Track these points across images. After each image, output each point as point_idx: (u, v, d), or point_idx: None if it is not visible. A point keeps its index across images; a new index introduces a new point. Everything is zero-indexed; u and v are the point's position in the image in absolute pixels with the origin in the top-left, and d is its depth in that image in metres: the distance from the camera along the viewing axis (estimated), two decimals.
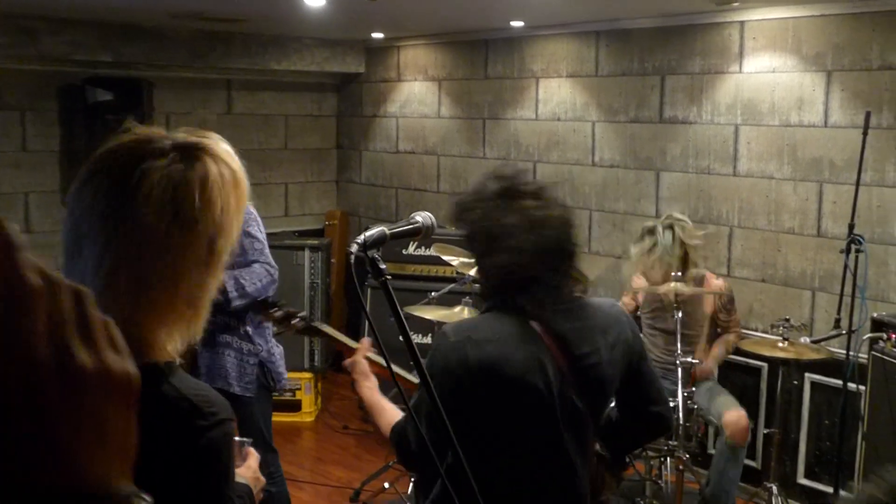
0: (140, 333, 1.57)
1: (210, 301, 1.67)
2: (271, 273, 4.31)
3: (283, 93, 8.58)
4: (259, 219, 4.38)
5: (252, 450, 2.10)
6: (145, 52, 7.26)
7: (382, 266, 2.01)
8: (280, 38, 7.93)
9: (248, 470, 2.03)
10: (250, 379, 4.39)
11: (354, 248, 2.01)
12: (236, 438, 2.02)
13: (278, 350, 4.55)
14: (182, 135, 1.68)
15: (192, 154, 1.62)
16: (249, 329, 4.37)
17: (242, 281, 4.19)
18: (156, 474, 1.53)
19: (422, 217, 2.18)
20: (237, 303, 4.19)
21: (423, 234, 2.16)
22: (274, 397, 7.09)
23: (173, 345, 1.64)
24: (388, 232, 2.07)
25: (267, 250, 4.35)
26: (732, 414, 5.17)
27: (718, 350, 5.45)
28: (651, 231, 5.28)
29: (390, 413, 2.67)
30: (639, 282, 5.45)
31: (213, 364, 4.34)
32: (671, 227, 5.23)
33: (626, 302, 5.60)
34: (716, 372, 5.59)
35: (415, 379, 2.85)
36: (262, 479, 2.07)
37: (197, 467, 1.54)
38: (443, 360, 2.43)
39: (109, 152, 1.62)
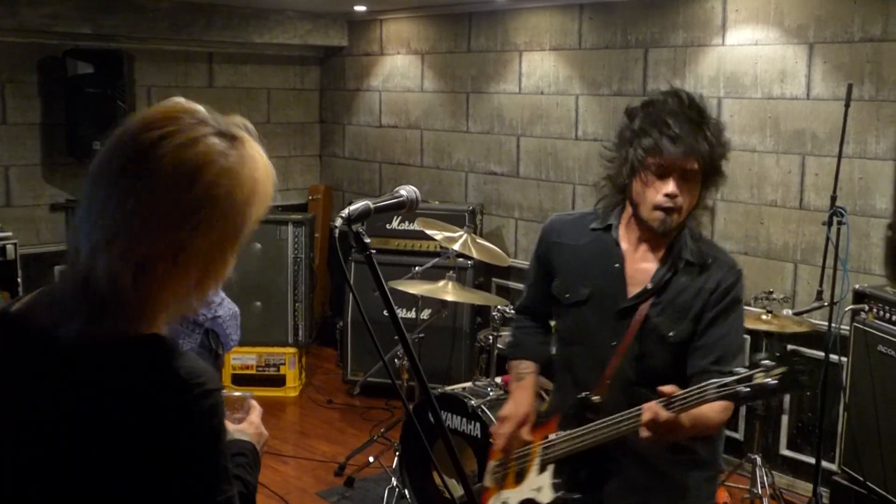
0: (142, 306, 1.57)
1: (219, 282, 1.66)
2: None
3: (266, 66, 8.53)
4: None
5: (254, 403, 2.06)
6: (126, 24, 7.20)
7: (367, 240, 2.00)
8: (262, 10, 7.87)
9: (250, 425, 2.00)
10: (191, 347, 4.36)
11: (339, 222, 2.01)
12: (237, 394, 2.05)
13: (228, 311, 4.48)
14: (218, 115, 1.68)
15: (230, 135, 1.62)
16: None
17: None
18: (148, 445, 1.53)
19: (406, 191, 2.17)
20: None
21: (407, 208, 2.15)
22: (258, 372, 7.18)
23: (168, 318, 1.63)
24: (372, 206, 2.07)
25: None
26: None
27: None
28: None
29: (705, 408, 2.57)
30: None
31: None
32: None
33: None
34: None
35: None
36: (266, 433, 2.03)
37: (187, 438, 1.54)
38: None
39: (148, 122, 1.59)
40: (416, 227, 6.52)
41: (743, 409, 5.88)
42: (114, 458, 1.53)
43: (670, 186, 2.70)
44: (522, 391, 3.09)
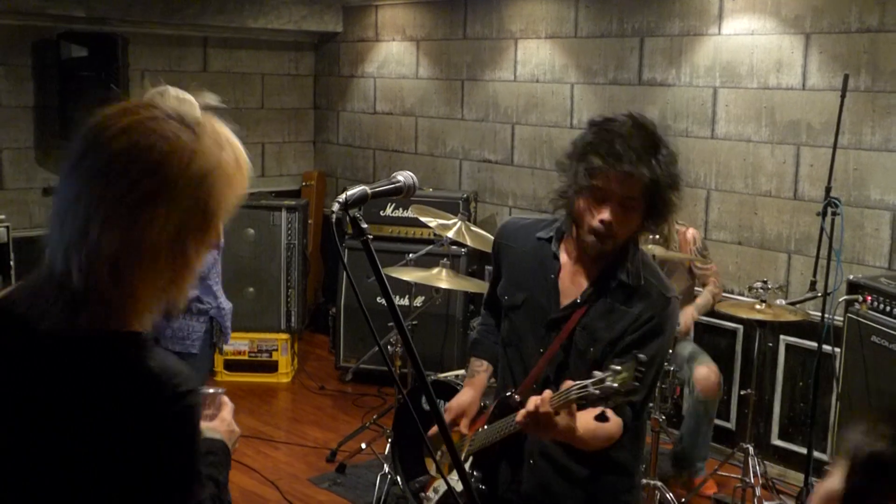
0: (120, 301, 1.56)
1: (195, 276, 1.65)
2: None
3: (260, 51, 8.50)
4: None
5: (226, 399, 2.04)
6: (120, 7, 7.16)
7: (364, 225, 1.99)
8: None
9: (221, 423, 1.98)
10: (197, 337, 4.38)
11: (336, 206, 2.00)
12: (209, 390, 2.01)
13: (228, 306, 4.53)
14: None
15: (193, 129, 1.60)
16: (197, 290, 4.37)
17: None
18: (120, 444, 1.52)
19: (403, 176, 2.17)
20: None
21: (404, 194, 2.15)
22: (251, 358, 7.18)
23: (149, 316, 1.62)
24: (369, 191, 2.05)
25: None
26: (703, 369, 5.28)
27: (702, 299, 5.45)
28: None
29: (584, 419, 2.60)
30: None
31: (162, 325, 4.26)
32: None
33: None
34: (692, 331, 5.60)
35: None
36: (237, 430, 2.01)
37: (159, 440, 1.53)
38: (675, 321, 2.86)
39: (108, 118, 1.59)
40: (409, 214, 6.51)
41: (734, 399, 5.89)
42: (86, 453, 1.52)
43: (606, 213, 2.66)
44: (469, 387, 3.19)
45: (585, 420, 2.56)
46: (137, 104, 1.62)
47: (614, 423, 2.64)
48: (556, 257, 2.88)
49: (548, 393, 2.53)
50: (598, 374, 2.42)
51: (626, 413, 2.69)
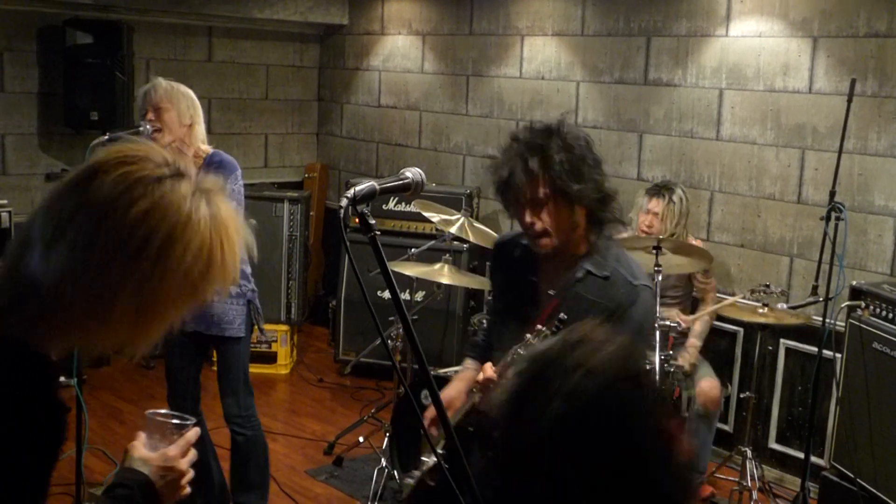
0: (52, 327, 1.51)
1: (158, 336, 1.57)
2: None
3: (265, 42, 8.48)
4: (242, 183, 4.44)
5: (190, 436, 1.84)
6: None
7: (372, 221, 1.99)
8: None
9: (159, 457, 1.78)
10: (241, 321, 4.57)
11: (345, 202, 1.99)
12: (175, 421, 1.84)
13: (254, 286, 4.66)
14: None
15: (184, 183, 1.55)
16: None
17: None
18: None
19: (411, 173, 2.16)
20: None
21: (412, 191, 2.14)
22: (250, 349, 7.16)
23: (69, 347, 1.58)
24: (377, 187, 2.05)
25: (242, 211, 4.41)
26: (705, 383, 5.27)
27: (700, 326, 5.47)
28: (667, 187, 5.51)
29: None
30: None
31: (202, 311, 4.40)
32: (683, 191, 5.55)
33: None
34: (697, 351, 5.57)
35: None
36: (182, 469, 1.80)
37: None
38: (653, 311, 3.04)
39: (107, 164, 1.53)
40: (412, 208, 6.50)
41: (733, 401, 5.88)
42: None
43: (526, 216, 2.85)
44: (457, 381, 3.32)
45: None
46: (141, 152, 1.57)
47: None
48: (536, 259, 3.01)
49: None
50: (527, 336, 2.60)
51: None
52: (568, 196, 2.82)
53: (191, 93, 4.48)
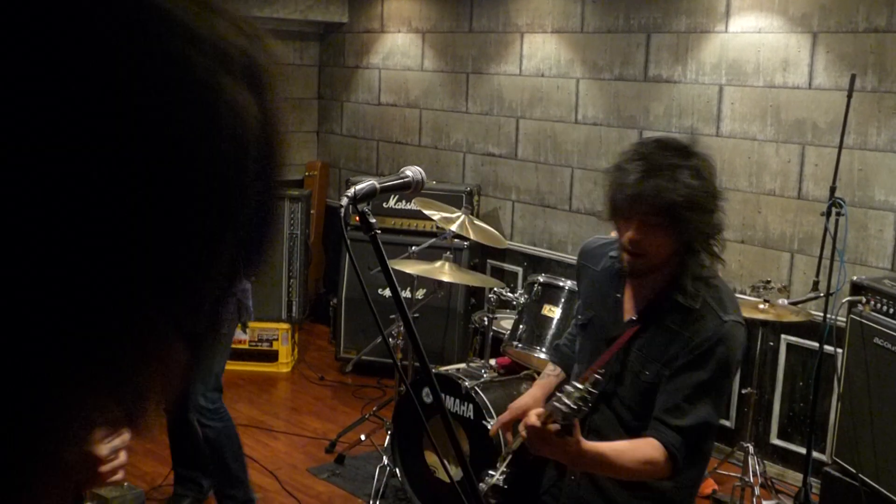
0: None
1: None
2: None
3: None
4: None
5: (121, 436, 1.76)
6: None
7: (372, 220, 1.99)
8: None
9: None
10: (227, 318, 4.54)
11: (345, 201, 1.99)
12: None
13: (248, 285, 4.67)
14: None
15: None
16: None
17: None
18: None
19: (412, 171, 2.16)
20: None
21: (412, 189, 2.15)
22: (251, 347, 7.17)
23: None
24: (378, 185, 2.05)
25: None
26: None
27: None
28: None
29: (621, 445, 2.70)
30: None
31: None
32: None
33: None
34: None
35: None
36: (96, 456, 1.72)
37: None
38: (740, 348, 2.77)
39: None
40: (412, 206, 6.50)
41: (734, 397, 5.89)
42: None
43: (630, 232, 2.67)
44: (536, 388, 3.28)
45: (613, 443, 2.66)
46: None
47: (645, 444, 2.66)
48: (623, 276, 2.87)
49: (539, 409, 2.59)
50: (564, 389, 2.48)
51: (667, 435, 2.67)
52: (683, 226, 2.66)
53: None
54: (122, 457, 1.77)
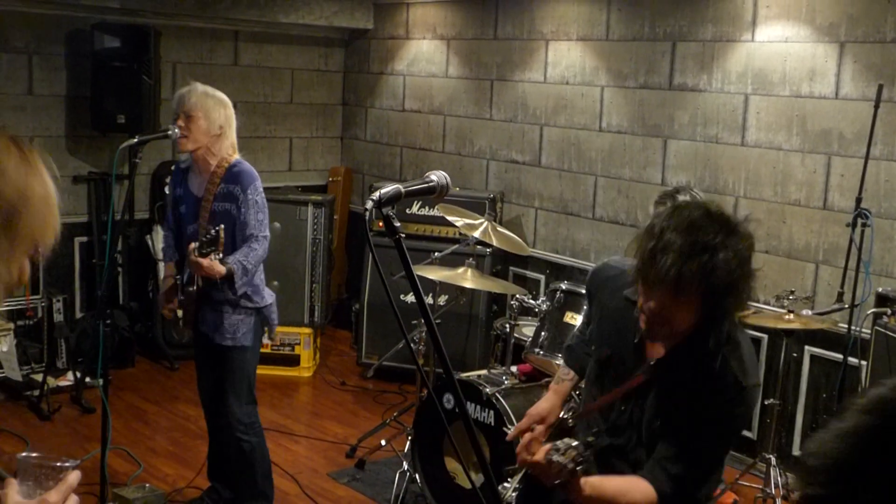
0: None
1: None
2: (266, 248, 4.58)
3: (290, 46, 8.51)
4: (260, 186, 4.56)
5: (71, 479, 1.65)
6: None
7: (397, 224, 1.99)
8: None
9: (23, 501, 1.61)
10: (246, 330, 4.63)
11: (370, 204, 1.99)
12: (55, 463, 1.69)
13: (272, 299, 4.72)
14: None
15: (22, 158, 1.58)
16: (248, 289, 4.60)
17: (248, 266, 4.47)
18: None
19: (437, 176, 2.16)
20: (243, 289, 4.53)
21: (437, 194, 2.15)
22: (273, 352, 7.19)
23: None
24: (403, 190, 2.05)
25: (267, 220, 4.61)
26: None
27: None
28: (671, 195, 5.28)
29: (622, 487, 2.72)
30: None
31: (214, 321, 4.60)
32: (694, 195, 5.30)
33: None
34: None
35: None
36: None
37: None
38: (753, 407, 2.78)
39: None
40: (436, 212, 6.51)
41: (757, 408, 5.85)
42: None
43: (653, 302, 2.55)
44: (553, 394, 3.24)
45: (615, 482, 2.70)
46: None
47: (641, 489, 2.67)
48: (639, 322, 2.73)
49: (548, 446, 2.60)
50: (563, 442, 2.55)
51: (660, 478, 2.66)
52: (715, 305, 2.55)
53: (226, 100, 4.52)
54: None
